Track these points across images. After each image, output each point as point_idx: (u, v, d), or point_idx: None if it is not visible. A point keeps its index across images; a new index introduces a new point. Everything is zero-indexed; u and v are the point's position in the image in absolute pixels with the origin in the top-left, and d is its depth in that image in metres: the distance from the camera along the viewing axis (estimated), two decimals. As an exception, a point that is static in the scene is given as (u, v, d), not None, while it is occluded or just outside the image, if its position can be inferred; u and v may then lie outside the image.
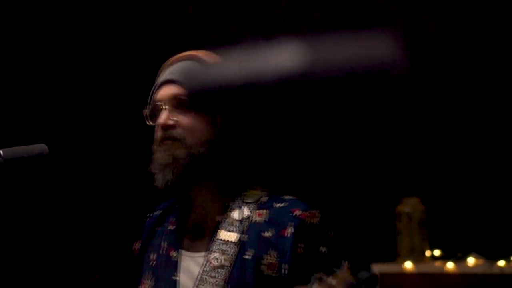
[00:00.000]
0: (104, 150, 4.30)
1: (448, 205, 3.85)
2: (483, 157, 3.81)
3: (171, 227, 2.14)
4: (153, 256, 2.14)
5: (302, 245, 1.98)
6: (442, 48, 3.86)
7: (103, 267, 4.38)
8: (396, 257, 3.77)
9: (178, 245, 2.09)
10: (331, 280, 1.70)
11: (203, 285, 2.01)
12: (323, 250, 2.00)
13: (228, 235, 2.02)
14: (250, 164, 2.12)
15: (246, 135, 2.12)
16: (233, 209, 2.05)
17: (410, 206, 3.75)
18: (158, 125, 2.05)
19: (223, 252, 2.01)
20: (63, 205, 4.33)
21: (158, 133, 2.04)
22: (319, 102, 4.06)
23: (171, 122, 2.02)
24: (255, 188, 2.11)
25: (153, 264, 2.13)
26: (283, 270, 1.96)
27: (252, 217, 2.03)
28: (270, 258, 1.98)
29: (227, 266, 1.99)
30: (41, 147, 1.85)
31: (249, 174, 2.12)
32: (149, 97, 2.10)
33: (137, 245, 2.23)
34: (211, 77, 2.06)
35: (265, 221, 2.02)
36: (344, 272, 1.73)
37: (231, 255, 2.00)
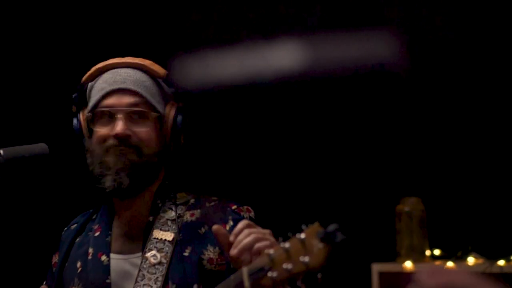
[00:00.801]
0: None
1: (448, 204, 3.85)
2: (483, 156, 3.81)
3: (97, 233, 2.21)
4: (79, 264, 2.19)
5: (232, 223, 2.06)
6: (443, 46, 3.86)
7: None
8: (396, 256, 3.77)
9: (107, 249, 2.15)
10: (300, 235, 1.70)
11: (142, 281, 2.06)
12: None
13: (163, 234, 2.08)
14: (190, 169, 2.22)
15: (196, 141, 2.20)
16: (165, 210, 2.12)
17: (410, 205, 3.75)
18: (111, 134, 2.09)
19: (159, 250, 2.07)
20: (63, 204, 4.33)
21: (110, 141, 2.10)
22: (318, 101, 4.06)
23: (128, 133, 2.07)
24: (181, 192, 2.18)
25: (80, 271, 2.18)
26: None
27: (184, 216, 2.11)
28: (209, 253, 2.05)
29: (164, 263, 2.05)
30: (41, 146, 1.85)
31: (188, 178, 2.22)
32: (89, 101, 2.15)
33: (55, 258, 2.31)
34: (160, 87, 2.11)
35: (197, 219, 2.10)
36: (314, 226, 1.73)
37: (168, 252, 2.06)
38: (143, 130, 2.08)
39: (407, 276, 3.75)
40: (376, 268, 3.70)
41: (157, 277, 2.04)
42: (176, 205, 2.13)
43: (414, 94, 3.93)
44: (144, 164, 2.08)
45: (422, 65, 3.87)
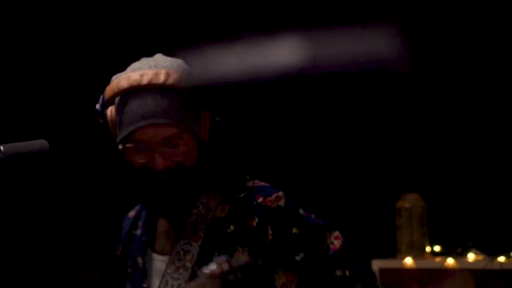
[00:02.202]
0: (104, 146, 4.30)
1: (448, 201, 3.85)
2: (483, 153, 3.81)
3: (138, 232, 2.10)
4: (129, 263, 2.10)
5: (271, 232, 1.89)
6: (442, 44, 3.86)
7: (104, 263, 4.38)
8: (396, 253, 3.77)
9: (143, 251, 2.03)
10: (213, 265, 1.65)
11: (165, 287, 1.95)
12: (296, 231, 1.91)
13: (192, 235, 1.95)
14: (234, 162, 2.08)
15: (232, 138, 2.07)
16: (198, 207, 1.97)
17: (410, 201, 3.75)
18: (150, 166, 1.93)
19: (186, 252, 1.94)
20: (63, 201, 4.33)
21: (152, 173, 1.93)
22: (318, 98, 4.06)
23: (168, 164, 1.92)
24: (215, 183, 2.00)
25: (129, 272, 2.09)
26: (259, 262, 1.87)
27: (215, 213, 1.95)
28: (238, 253, 1.89)
29: (189, 267, 1.93)
30: (42, 142, 1.85)
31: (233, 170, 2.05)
32: (118, 126, 1.97)
33: (119, 250, 2.18)
34: (186, 100, 1.92)
35: (226, 215, 1.93)
36: (238, 257, 1.68)
37: (194, 255, 1.93)
38: (181, 152, 1.92)
39: (407, 272, 3.75)
40: (376, 264, 3.70)
41: (180, 284, 1.93)
42: (208, 200, 1.96)
43: (414, 91, 3.93)
44: (188, 177, 1.93)
45: (422, 62, 3.87)
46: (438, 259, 3.66)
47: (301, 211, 1.95)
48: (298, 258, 1.89)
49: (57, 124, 4.30)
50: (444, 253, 3.71)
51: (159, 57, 1.99)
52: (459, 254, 3.64)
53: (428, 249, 3.74)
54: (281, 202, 1.93)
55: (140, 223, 2.10)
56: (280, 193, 1.94)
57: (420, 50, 3.84)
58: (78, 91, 4.38)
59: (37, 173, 4.03)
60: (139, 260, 2.04)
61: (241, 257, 1.75)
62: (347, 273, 1.93)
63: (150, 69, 1.93)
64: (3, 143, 1.81)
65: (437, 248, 3.76)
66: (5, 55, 4.28)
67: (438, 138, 3.90)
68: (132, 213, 2.18)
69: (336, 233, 1.97)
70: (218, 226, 1.93)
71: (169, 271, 1.96)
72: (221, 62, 2.04)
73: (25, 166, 1.82)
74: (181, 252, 1.95)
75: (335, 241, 1.95)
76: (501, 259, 3.50)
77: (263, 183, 1.99)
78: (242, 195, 1.95)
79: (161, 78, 1.90)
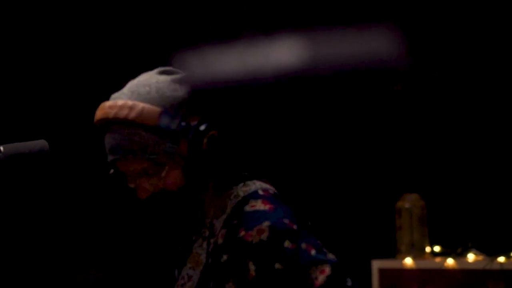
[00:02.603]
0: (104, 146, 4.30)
1: (448, 201, 3.85)
2: (483, 153, 3.81)
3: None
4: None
5: (253, 267, 1.79)
6: (443, 43, 3.86)
7: (104, 264, 4.38)
8: (396, 253, 3.77)
9: (177, 263, 2.02)
10: None
11: None
12: (279, 267, 1.78)
13: (195, 260, 1.92)
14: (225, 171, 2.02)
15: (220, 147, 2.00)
16: (205, 227, 1.93)
17: (410, 202, 3.75)
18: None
19: (189, 277, 1.92)
20: (63, 201, 4.33)
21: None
22: (318, 98, 4.06)
23: (150, 193, 1.91)
24: (220, 200, 1.94)
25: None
26: None
27: (217, 238, 1.88)
28: (229, 285, 1.81)
29: None
30: (42, 143, 1.85)
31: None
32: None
33: None
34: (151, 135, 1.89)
35: (224, 243, 1.86)
36: None
37: (195, 282, 1.89)
38: (162, 177, 1.89)
39: (407, 272, 3.75)
40: (376, 264, 3.70)
41: None
42: (216, 221, 1.91)
43: (414, 91, 3.93)
44: (177, 195, 1.91)
45: (422, 61, 3.87)
46: (438, 259, 3.66)
47: (286, 243, 1.80)
48: None
49: (57, 124, 4.30)
50: (444, 254, 3.71)
51: (142, 81, 1.95)
52: (459, 255, 3.64)
53: (428, 249, 3.74)
54: (264, 236, 1.80)
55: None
56: (264, 225, 1.81)
57: (420, 50, 3.84)
58: (78, 91, 4.38)
59: (37, 174, 4.03)
60: (176, 272, 2.01)
61: None
62: None
63: (121, 100, 1.91)
64: (3, 143, 1.81)
65: (437, 249, 3.76)
66: (5, 55, 4.28)
67: (438, 139, 3.90)
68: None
69: (324, 267, 1.81)
70: (216, 254, 1.87)
71: None
72: (221, 63, 2.04)
73: (25, 166, 1.82)
74: (186, 277, 1.92)
75: (320, 276, 1.80)
76: (501, 259, 3.50)
77: (262, 205, 1.88)
78: (236, 222, 1.87)
79: (124, 112, 1.88)
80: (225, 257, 1.83)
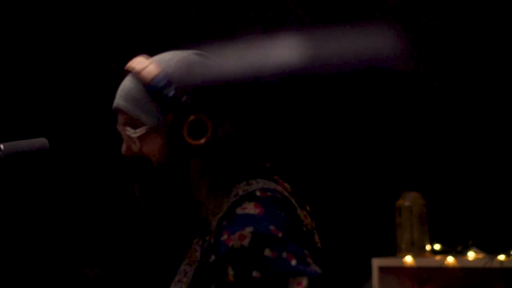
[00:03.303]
0: (105, 143, 4.30)
1: (448, 199, 3.85)
2: (484, 151, 3.81)
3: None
4: None
5: (232, 272, 1.76)
6: (443, 41, 3.85)
7: (105, 260, 4.38)
8: (396, 251, 3.77)
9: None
10: None
11: None
12: (256, 275, 1.74)
13: (193, 255, 1.92)
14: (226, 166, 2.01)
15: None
16: (204, 224, 1.93)
17: (410, 200, 3.75)
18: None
19: (185, 273, 1.92)
20: (63, 199, 4.33)
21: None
22: (319, 96, 4.06)
23: (130, 153, 1.95)
24: (220, 197, 1.93)
25: None
26: None
27: (211, 237, 1.88)
28: (214, 287, 1.80)
29: None
30: (42, 141, 1.85)
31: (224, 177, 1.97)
32: None
33: None
34: (149, 94, 1.95)
35: (214, 243, 1.85)
36: None
37: (189, 279, 1.89)
38: (142, 150, 1.93)
39: (407, 270, 3.75)
40: (376, 263, 3.70)
41: None
42: (212, 219, 1.90)
43: (415, 89, 3.92)
44: (156, 176, 1.92)
45: (422, 59, 3.87)
46: (438, 257, 3.66)
47: (266, 252, 1.76)
48: None
49: (57, 123, 4.30)
50: (444, 252, 3.71)
51: (177, 52, 2.00)
52: (459, 253, 3.64)
53: (428, 247, 3.73)
54: (245, 242, 1.76)
55: None
56: (246, 231, 1.78)
57: (420, 48, 3.84)
58: (78, 90, 4.37)
59: (37, 172, 4.03)
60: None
61: None
62: None
63: (146, 59, 1.98)
64: (3, 141, 1.81)
65: (437, 247, 3.76)
66: (5, 55, 4.27)
67: (438, 136, 3.90)
68: None
69: (301, 279, 1.73)
70: (207, 252, 1.86)
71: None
72: (221, 62, 2.03)
73: (25, 164, 1.82)
74: (182, 273, 1.93)
75: None
76: (501, 257, 3.50)
77: (252, 209, 1.85)
78: (225, 223, 1.84)
79: (140, 67, 1.96)
80: (213, 257, 1.83)
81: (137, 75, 1.95)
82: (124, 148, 1.97)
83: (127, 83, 1.98)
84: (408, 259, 3.67)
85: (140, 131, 1.93)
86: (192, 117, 1.92)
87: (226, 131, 1.99)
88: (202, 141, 1.93)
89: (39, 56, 4.33)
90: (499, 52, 3.76)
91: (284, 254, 1.76)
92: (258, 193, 1.90)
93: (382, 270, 3.70)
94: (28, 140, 1.84)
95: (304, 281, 1.72)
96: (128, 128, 1.95)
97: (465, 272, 3.61)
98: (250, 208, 1.84)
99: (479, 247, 3.63)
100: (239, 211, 1.84)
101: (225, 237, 1.79)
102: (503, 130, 3.77)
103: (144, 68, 1.95)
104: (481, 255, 3.59)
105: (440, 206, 3.84)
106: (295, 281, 1.73)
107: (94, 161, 4.31)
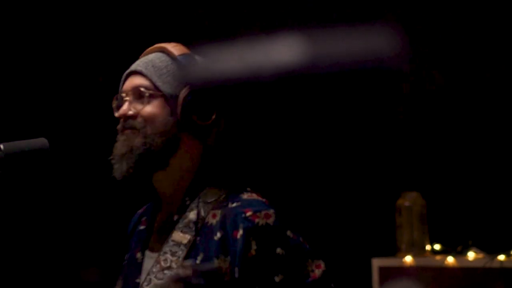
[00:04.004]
0: (105, 143, 4.30)
1: (448, 199, 3.85)
2: (483, 151, 3.81)
3: (142, 227, 2.11)
4: (126, 256, 2.12)
5: (255, 247, 1.87)
6: (443, 42, 3.85)
7: (103, 261, 4.38)
8: (396, 251, 3.77)
9: (144, 246, 2.06)
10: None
11: (147, 286, 1.97)
12: (280, 252, 1.88)
13: (181, 237, 1.95)
14: (227, 162, 2.07)
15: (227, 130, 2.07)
16: (192, 209, 1.97)
17: (410, 200, 3.75)
18: (116, 116, 2.03)
19: (173, 253, 1.95)
20: (63, 200, 4.33)
21: (118, 125, 2.02)
22: (319, 96, 4.06)
23: (130, 112, 1.99)
24: (214, 187, 2.00)
25: (124, 264, 2.11)
26: (235, 274, 1.87)
27: (207, 218, 1.94)
28: (220, 261, 1.89)
29: (174, 268, 1.93)
30: (42, 141, 1.85)
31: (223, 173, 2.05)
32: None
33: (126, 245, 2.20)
34: (174, 67, 2.04)
35: (217, 222, 1.93)
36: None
37: (180, 257, 1.93)
38: (147, 110, 1.97)
39: (407, 270, 3.75)
40: (376, 263, 3.70)
41: (162, 284, 1.93)
42: (202, 204, 1.96)
43: (414, 89, 3.92)
44: (148, 148, 1.96)
45: (422, 60, 3.87)
46: (438, 257, 3.66)
47: (288, 232, 1.91)
48: (276, 279, 1.87)
49: (57, 123, 4.30)
50: (444, 252, 3.71)
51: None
52: (459, 253, 3.64)
53: (428, 247, 3.74)
54: (270, 220, 1.90)
55: (143, 219, 2.12)
56: (271, 211, 1.92)
57: (420, 48, 3.84)
58: (78, 90, 4.37)
59: (37, 172, 4.03)
60: (138, 255, 2.05)
61: (208, 264, 1.80)
62: None
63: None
64: (3, 141, 1.81)
65: (437, 247, 3.76)
66: (5, 55, 4.27)
67: (438, 137, 3.90)
68: (140, 210, 2.20)
69: (319, 262, 1.92)
70: (207, 232, 1.93)
71: (154, 270, 1.98)
72: (221, 61, 2.04)
73: (25, 164, 1.82)
74: (169, 253, 1.96)
75: (316, 270, 1.91)
76: (501, 257, 3.50)
77: (260, 198, 1.97)
78: (235, 204, 1.93)
79: (171, 45, 2.05)
80: (219, 234, 1.91)
81: (166, 50, 2.03)
82: (125, 107, 2.00)
83: (150, 56, 2.05)
84: (408, 259, 3.67)
85: (153, 91, 1.98)
86: (203, 100, 1.98)
87: (226, 128, 2.04)
88: (207, 122, 1.98)
89: (39, 56, 4.33)
90: (499, 52, 3.76)
91: (301, 239, 1.93)
92: (249, 189, 2.01)
93: (382, 270, 3.70)
94: (28, 140, 1.84)
95: (323, 264, 1.91)
96: (142, 88, 1.99)
97: (465, 272, 3.61)
98: (256, 196, 1.97)
99: (479, 247, 3.63)
100: (245, 196, 1.96)
101: (249, 213, 1.90)
102: (502, 131, 3.77)
103: (174, 46, 2.04)
104: (481, 255, 3.59)
105: (440, 206, 3.84)
106: (313, 263, 1.90)
107: (94, 161, 4.31)
